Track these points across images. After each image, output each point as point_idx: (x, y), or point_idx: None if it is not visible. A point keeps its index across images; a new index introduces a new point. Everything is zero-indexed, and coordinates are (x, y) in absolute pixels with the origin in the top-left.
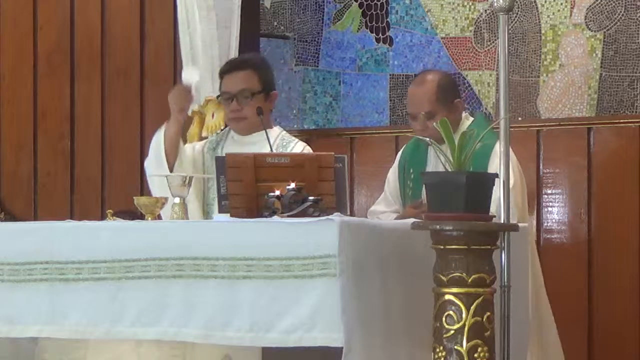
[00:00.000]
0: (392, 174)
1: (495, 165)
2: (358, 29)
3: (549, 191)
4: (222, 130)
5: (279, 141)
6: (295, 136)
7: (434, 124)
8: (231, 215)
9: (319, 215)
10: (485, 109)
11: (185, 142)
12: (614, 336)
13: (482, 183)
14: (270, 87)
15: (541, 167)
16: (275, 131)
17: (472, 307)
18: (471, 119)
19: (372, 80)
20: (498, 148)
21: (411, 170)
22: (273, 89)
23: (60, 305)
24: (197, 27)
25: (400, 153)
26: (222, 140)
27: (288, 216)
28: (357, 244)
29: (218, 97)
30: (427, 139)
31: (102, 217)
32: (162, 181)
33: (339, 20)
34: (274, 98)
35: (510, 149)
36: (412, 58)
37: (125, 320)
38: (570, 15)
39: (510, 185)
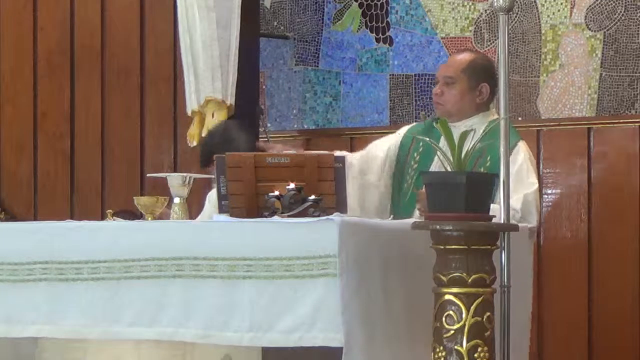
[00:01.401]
0: (389, 143)
1: (517, 164)
2: (358, 29)
3: (549, 191)
4: None
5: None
6: (294, 136)
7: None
8: (231, 215)
9: (319, 215)
10: None
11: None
12: (614, 336)
13: (482, 183)
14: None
15: (541, 167)
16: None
17: (472, 307)
18: (497, 116)
19: (372, 80)
20: (520, 147)
21: (421, 144)
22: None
23: (59, 305)
24: (197, 27)
25: (404, 129)
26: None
27: (288, 216)
28: (357, 244)
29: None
30: (428, 139)
31: (102, 217)
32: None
33: (339, 20)
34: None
35: (527, 149)
36: (412, 58)
37: (125, 320)
38: (570, 15)
39: (534, 189)
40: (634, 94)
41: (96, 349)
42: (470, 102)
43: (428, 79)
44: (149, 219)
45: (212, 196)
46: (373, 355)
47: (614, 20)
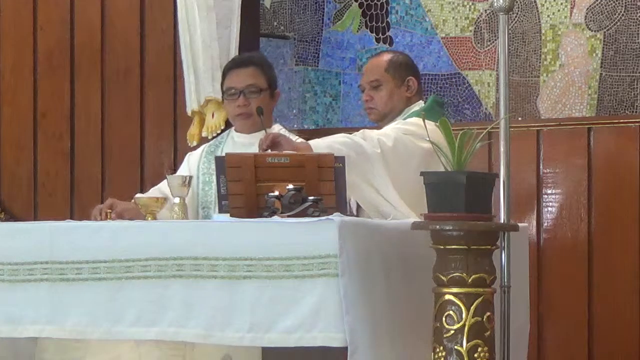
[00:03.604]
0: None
1: (400, 124)
2: (358, 29)
3: (549, 191)
4: (221, 131)
5: None
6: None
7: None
8: (231, 215)
9: (319, 215)
10: (485, 109)
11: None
12: (614, 336)
13: (482, 183)
14: (274, 86)
15: (541, 167)
16: (275, 129)
17: (472, 307)
18: (422, 104)
19: None
20: (413, 121)
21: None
22: (276, 87)
23: (60, 305)
24: (197, 27)
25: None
26: (222, 143)
27: (288, 216)
28: (357, 244)
29: (223, 94)
30: (428, 138)
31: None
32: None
33: (339, 20)
34: (278, 97)
35: (421, 127)
36: (412, 58)
37: (125, 320)
38: (570, 15)
39: (386, 132)
40: (634, 94)
41: (96, 349)
42: (401, 98)
43: (429, 79)
44: (149, 219)
45: (191, 157)
46: (377, 355)
47: (614, 20)
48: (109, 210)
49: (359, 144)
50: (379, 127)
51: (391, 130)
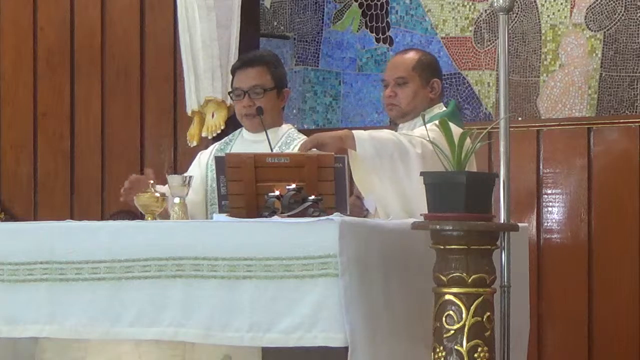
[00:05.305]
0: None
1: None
2: (358, 29)
3: (549, 191)
4: (222, 131)
5: (284, 138)
6: None
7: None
8: (231, 215)
9: (319, 215)
10: (485, 109)
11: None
12: (614, 336)
13: (482, 183)
14: (282, 84)
15: (541, 167)
16: (284, 129)
17: (472, 307)
18: (444, 108)
19: (372, 80)
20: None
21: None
22: (285, 86)
23: (60, 305)
24: (197, 27)
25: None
26: (232, 142)
27: (288, 216)
28: (358, 244)
29: (230, 93)
30: (429, 139)
31: (102, 217)
32: None
33: (339, 20)
34: (286, 95)
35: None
36: None
37: (125, 320)
38: (570, 15)
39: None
40: (634, 94)
41: (96, 349)
42: (424, 99)
43: None
44: (149, 219)
45: (202, 155)
46: (376, 355)
47: (614, 20)
48: (151, 182)
49: (402, 144)
50: (395, 125)
51: (429, 131)
